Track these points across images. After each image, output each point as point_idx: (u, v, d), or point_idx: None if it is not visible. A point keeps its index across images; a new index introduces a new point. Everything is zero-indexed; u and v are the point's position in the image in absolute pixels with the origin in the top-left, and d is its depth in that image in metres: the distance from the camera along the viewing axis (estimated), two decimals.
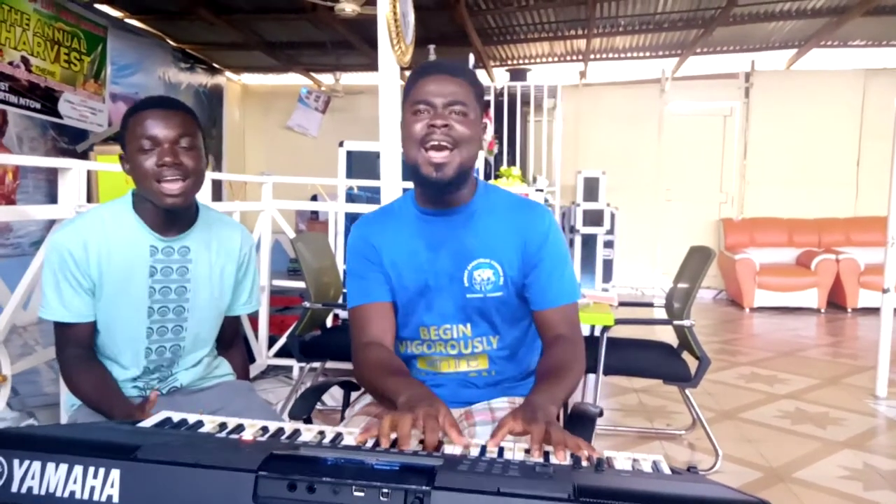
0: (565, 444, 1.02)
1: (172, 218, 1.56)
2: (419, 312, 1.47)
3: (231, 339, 1.83)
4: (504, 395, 1.50)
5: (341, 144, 5.02)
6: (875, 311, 4.68)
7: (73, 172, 2.45)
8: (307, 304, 3.05)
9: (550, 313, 1.44)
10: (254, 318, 4.10)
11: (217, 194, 7.48)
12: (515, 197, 1.53)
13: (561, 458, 0.99)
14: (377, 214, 1.56)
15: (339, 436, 1.05)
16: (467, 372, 1.49)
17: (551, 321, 1.44)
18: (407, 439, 1.01)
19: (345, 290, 3.90)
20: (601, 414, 1.49)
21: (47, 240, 1.53)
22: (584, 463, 0.97)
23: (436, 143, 1.32)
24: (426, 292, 1.45)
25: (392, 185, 2.95)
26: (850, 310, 6.96)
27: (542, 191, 5.03)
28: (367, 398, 1.55)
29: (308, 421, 1.63)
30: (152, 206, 1.53)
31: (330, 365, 3.51)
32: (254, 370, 3.99)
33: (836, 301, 7.10)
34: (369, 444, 1.03)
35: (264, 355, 4.12)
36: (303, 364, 3.32)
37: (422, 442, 1.04)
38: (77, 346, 1.54)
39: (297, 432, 1.05)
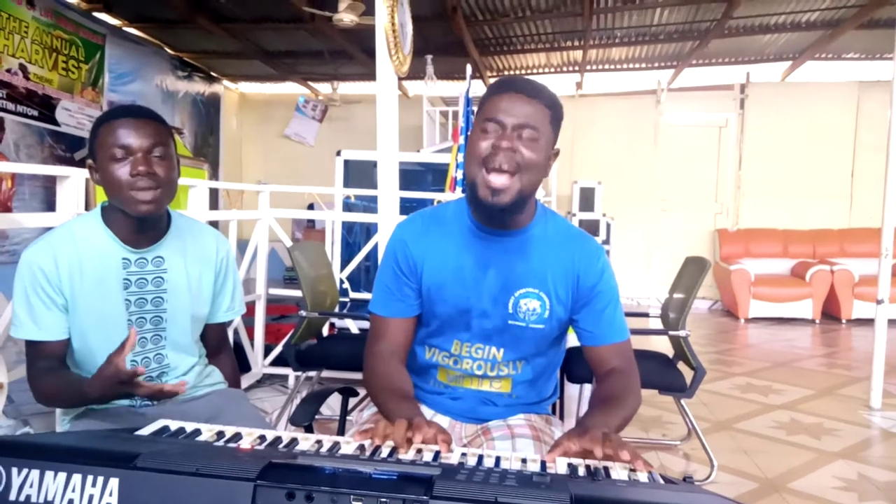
0: (623, 450, 1.03)
1: (144, 228, 1.53)
2: (455, 327, 1.44)
3: (219, 347, 1.81)
4: (521, 413, 1.50)
5: (338, 153, 5.03)
6: (869, 322, 4.71)
7: (71, 180, 2.44)
8: (303, 312, 3.05)
9: (604, 350, 1.43)
10: (249, 326, 4.09)
11: (214, 203, 7.48)
12: (573, 228, 1.50)
13: (624, 460, 1.02)
14: (426, 220, 1.49)
15: (336, 445, 1.05)
16: (489, 392, 1.48)
17: (605, 357, 1.43)
18: (403, 443, 1.03)
19: (341, 300, 3.90)
20: None
21: None
22: (581, 472, 0.98)
23: (497, 165, 1.26)
24: (467, 311, 1.42)
25: (389, 194, 2.96)
26: (844, 321, 6.98)
27: (537, 200, 5.04)
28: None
29: (309, 428, 1.63)
30: (123, 218, 1.50)
31: (326, 374, 3.51)
32: (249, 379, 3.98)
33: (830, 312, 7.12)
34: (367, 452, 1.03)
35: (260, 364, 4.12)
36: (299, 373, 3.32)
37: (419, 451, 1.05)
38: (48, 362, 1.51)
39: (294, 441, 1.06)
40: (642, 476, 0.97)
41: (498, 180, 1.27)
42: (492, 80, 1.31)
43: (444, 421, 1.50)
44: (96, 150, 1.47)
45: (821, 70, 7.93)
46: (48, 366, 1.51)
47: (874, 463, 3.05)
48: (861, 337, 6.28)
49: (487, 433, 1.44)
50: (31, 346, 1.51)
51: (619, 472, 0.99)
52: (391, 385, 1.36)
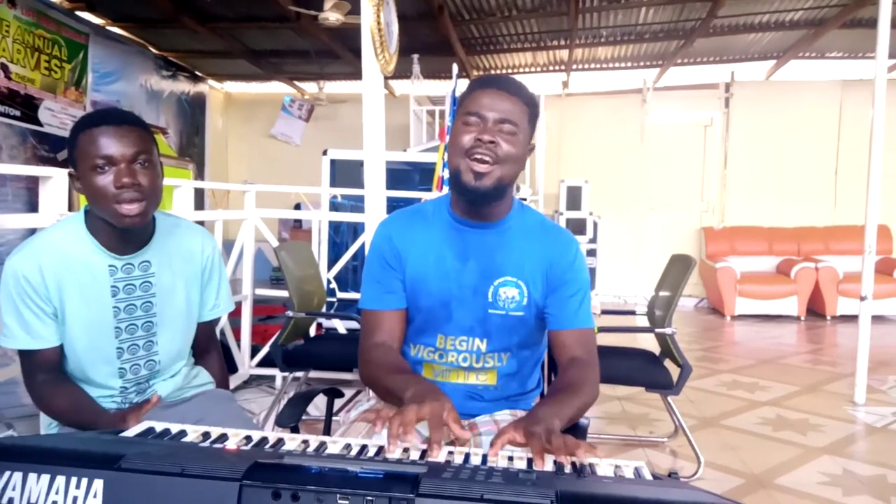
0: (566, 450, 1.04)
1: (129, 236, 1.49)
2: (438, 320, 1.47)
3: (206, 346, 1.78)
4: (507, 408, 1.52)
5: (325, 153, 5.02)
6: (853, 318, 4.75)
7: (54, 181, 2.42)
8: (290, 313, 3.04)
9: (567, 334, 1.45)
10: (236, 327, 4.07)
11: (199, 203, 7.44)
12: (548, 221, 1.55)
13: (566, 462, 1.01)
14: (407, 215, 1.55)
15: (323, 444, 1.05)
16: (475, 385, 1.50)
17: (568, 342, 1.45)
18: (411, 427, 1.05)
19: (328, 300, 3.89)
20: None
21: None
22: (567, 469, 0.98)
23: (479, 157, 1.34)
24: (449, 302, 1.45)
25: (376, 193, 2.95)
26: (829, 317, 7.04)
27: (525, 199, 5.05)
28: (364, 405, 1.56)
29: (296, 429, 1.63)
30: (108, 225, 1.46)
31: (313, 374, 3.50)
32: (236, 380, 3.96)
33: (815, 309, 7.18)
34: (354, 451, 1.03)
35: (247, 365, 4.10)
36: (286, 374, 3.31)
37: (406, 449, 1.05)
38: (47, 372, 1.48)
39: (280, 441, 1.05)
40: (628, 472, 0.98)
41: (481, 166, 1.35)
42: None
43: None
44: (77, 160, 1.42)
45: (804, 69, 8.00)
46: (50, 377, 1.48)
47: (858, 458, 3.09)
48: (845, 333, 6.34)
49: (474, 428, 1.46)
50: (27, 355, 1.48)
51: (605, 468, 0.99)
52: (395, 365, 1.39)
